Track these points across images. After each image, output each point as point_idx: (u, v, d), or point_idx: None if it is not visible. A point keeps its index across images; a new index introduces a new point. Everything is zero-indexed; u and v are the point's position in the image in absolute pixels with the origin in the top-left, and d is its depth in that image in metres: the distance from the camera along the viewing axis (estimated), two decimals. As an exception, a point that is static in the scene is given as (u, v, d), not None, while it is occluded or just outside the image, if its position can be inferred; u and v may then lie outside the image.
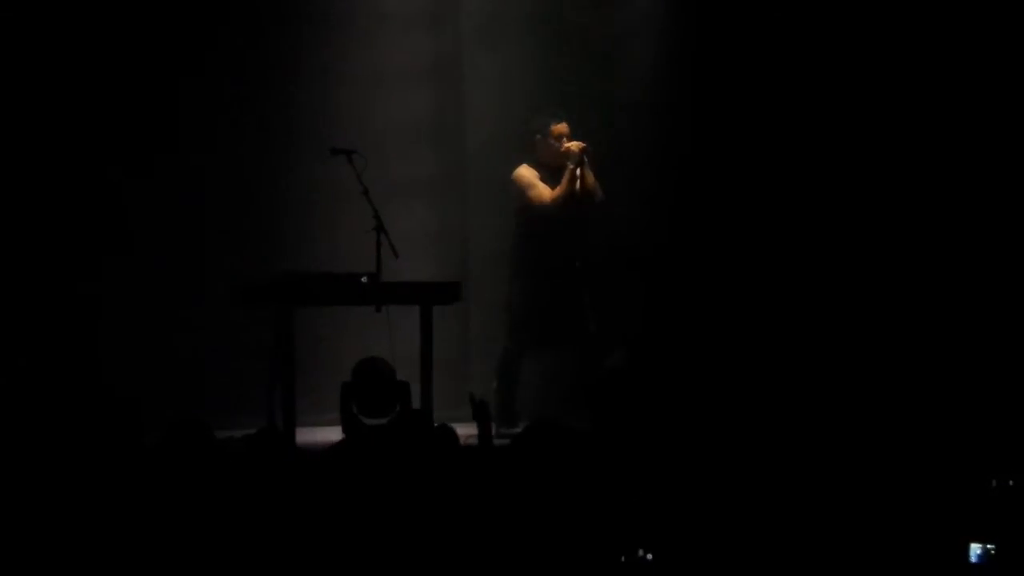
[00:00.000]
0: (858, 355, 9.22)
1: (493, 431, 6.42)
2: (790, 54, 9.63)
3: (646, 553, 4.98)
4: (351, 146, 8.60)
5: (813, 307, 9.49)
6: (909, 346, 9.23)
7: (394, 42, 9.88)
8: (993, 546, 5.08)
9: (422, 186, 9.94)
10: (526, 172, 8.99)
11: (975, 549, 5.08)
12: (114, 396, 8.62)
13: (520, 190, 8.98)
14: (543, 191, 8.94)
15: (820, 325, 9.42)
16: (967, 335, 9.19)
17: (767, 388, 8.99)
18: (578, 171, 8.86)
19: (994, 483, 5.50)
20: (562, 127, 8.98)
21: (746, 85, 9.70)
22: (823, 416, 8.00)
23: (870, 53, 9.53)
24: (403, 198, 9.67)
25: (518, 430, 8.51)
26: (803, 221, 9.61)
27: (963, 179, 9.43)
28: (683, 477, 5.58)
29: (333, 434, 8.02)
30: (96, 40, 9.27)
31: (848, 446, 6.21)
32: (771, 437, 6.37)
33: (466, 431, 8.67)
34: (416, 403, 8.16)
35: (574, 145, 8.90)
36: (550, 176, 8.98)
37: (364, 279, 8.27)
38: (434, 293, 8.47)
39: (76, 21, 9.25)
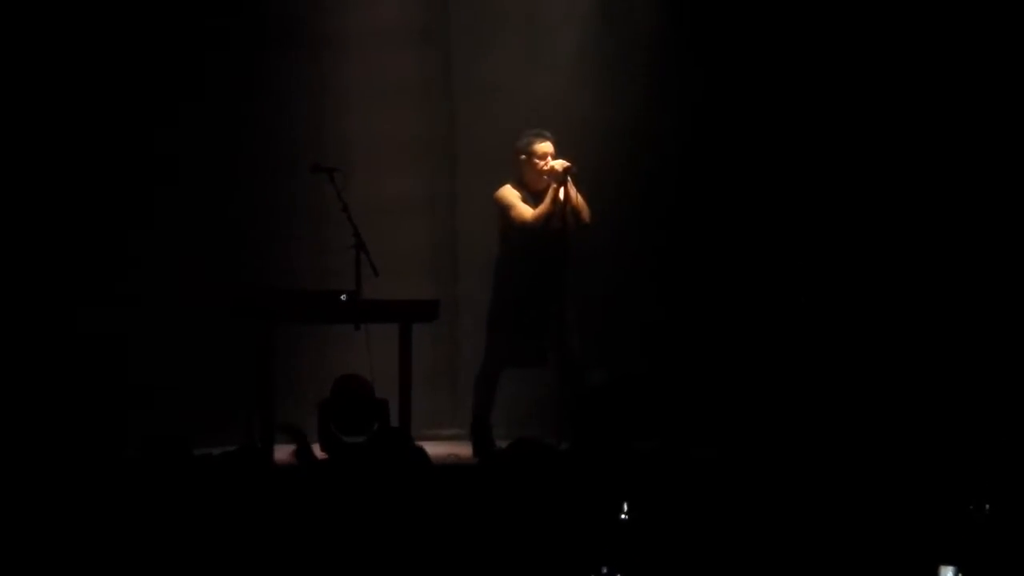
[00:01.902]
0: (844, 376, 9.21)
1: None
2: (784, 54, 9.63)
3: (613, 571, 4.96)
4: (339, 163, 8.60)
5: (795, 328, 9.49)
6: (896, 363, 9.23)
7: (384, 58, 9.89)
8: (961, 571, 5.07)
9: (412, 203, 9.93)
10: (507, 192, 8.93)
11: (945, 572, 5.07)
12: (95, 411, 8.66)
13: (502, 210, 8.92)
14: (523, 211, 8.88)
15: (803, 345, 9.42)
16: (956, 354, 9.20)
17: (751, 407, 9.00)
18: (561, 191, 8.80)
19: (971, 507, 5.49)
20: (546, 147, 8.89)
21: (737, 95, 9.70)
22: (804, 437, 8.00)
23: (868, 50, 9.54)
24: (393, 215, 9.67)
25: (493, 447, 8.51)
26: (793, 239, 9.63)
27: (963, 179, 9.45)
28: (664, 495, 5.57)
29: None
30: (88, 57, 9.26)
31: (823, 470, 6.20)
32: (753, 457, 6.37)
33: (452, 449, 8.71)
34: (395, 421, 8.16)
35: (558, 164, 8.84)
36: (535, 196, 8.91)
37: (343, 297, 8.25)
38: (413, 311, 8.46)
39: (73, 41, 9.24)
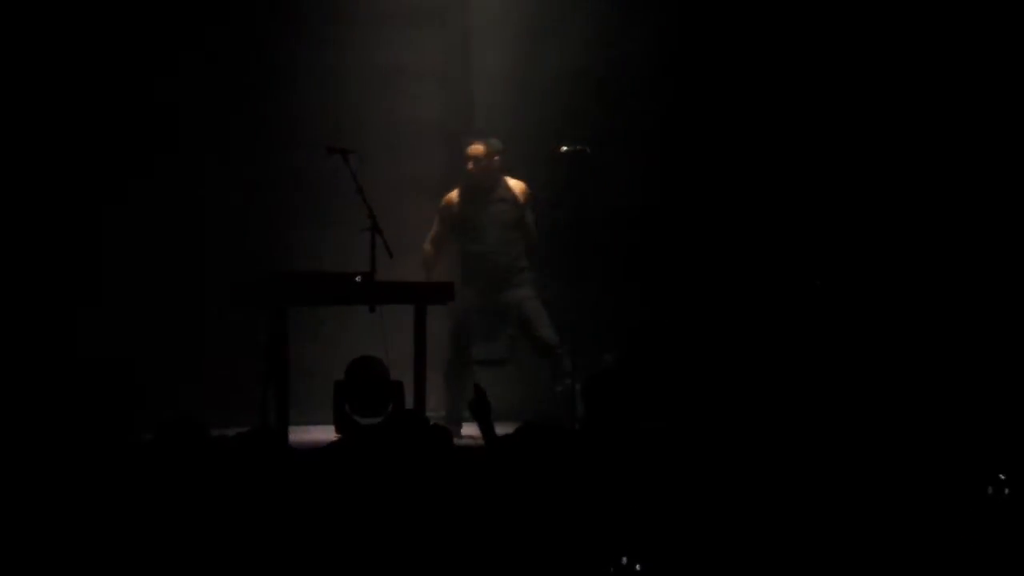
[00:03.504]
0: (853, 357, 9.21)
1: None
2: (779, 40, 9.65)
3: (635, 564, 4.97)
4: (356, 145, 8.61)
5: (804, 304, 9.49)
6: (903, 344, 9.23)
7: (401, 40, 9.90)
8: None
9: (429, 185, 9.94)
10: (440, 204, 9.21)
11: None
12: (110, 392, 8.66)
13: None
14: (432, 233, 9.21)
15: (810, 324, 9.42)
16: (960, 336, 9.19)
17: (760, 389, 9.00)
18: None
19: (990, 490, 5.50)
20: (472, 149, 9.11)
21: (742, 79, 9.72)
22: (818, 418, 7.99)
23: (860, 40, 9.55)
24: (410, 197, 9.69)
25: (458, 437, 8.61)
26: (797, 217, 9.64)
27: (973, 166, 9.45)
28: (674, 480, 5.58)
29: (326, 433, 8.04)
30: (95, 39, 9.29)
31: (842, 448, 6.20)
32: (766, 439, 6.37)
33: (466, 431, 8.73)
34: (410, 403, 8.17)
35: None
36: (476, 199, 9.07)
37: (358, 279, 8.26)
38: (428, 293, 8.47)
39: (75, 21, 9.26)
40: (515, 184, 9.14)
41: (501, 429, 5.99)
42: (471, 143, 9.16)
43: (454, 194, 9.19)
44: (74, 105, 9.26)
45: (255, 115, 9.63)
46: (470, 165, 9.11)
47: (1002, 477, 5.52)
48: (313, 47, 9.78)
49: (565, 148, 8.90)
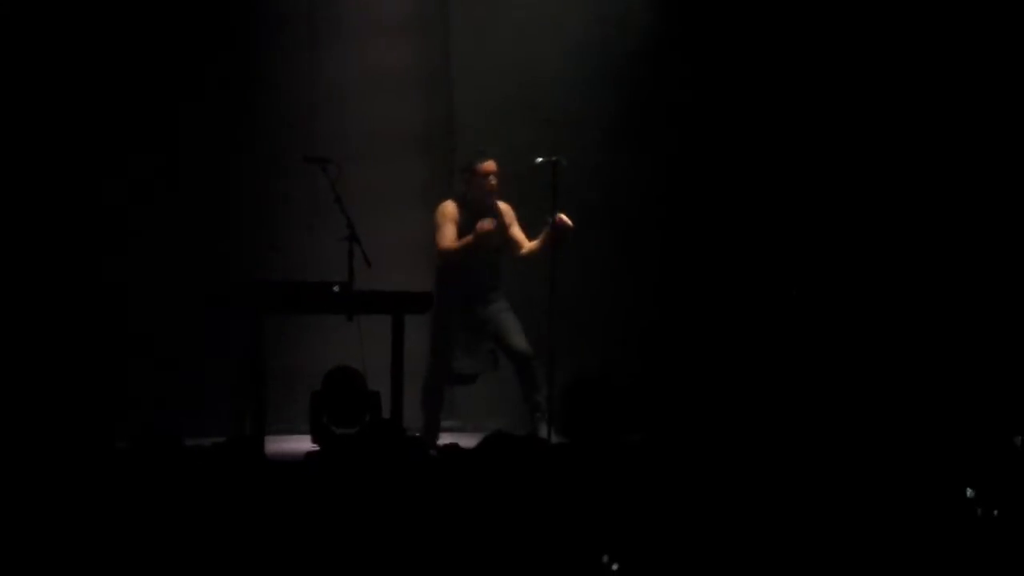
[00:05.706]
0: (833, 366, 9.23)
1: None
2: (771, 49, 9.68)
3: (612, 562, 4.96)
4: (335, 154, 8.61)
5: (781, 314, 9.52)
6: (887, 354, 9.25)
7: (382, 49, 9.91)
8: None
9: (410, 194, 9.94)
10: (441, 211, 8.99)
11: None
12: (86, 401, 8.66)
13: (434, 227, 8.99)
14: (446, 235, 8.93)
15: (789, 333, 9.44)
16: (959, 335, 9.22)
17: (744, 394, 9.02)
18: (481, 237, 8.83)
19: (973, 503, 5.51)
20: (488, 165, 8.94)
21: (730, 86, 9.74)
22: (804, 423, 8.01)
23: (854, 44, 9.59)
24: (387, 206, 9.68)
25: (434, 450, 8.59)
26: (773, 227, 9.66)
27: (949, 171, 9.48)
28: (654, 486, 5.57)
29: (303, 443, 8.03)
30: (79, 51, 9.28)
31: (827, 458, 6.21)
32: (750, 443, 6.37)
33: (444, 440, 8.72)
34: (387, 413, 8.17)
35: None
36: (475, 215, 8.91)
37: (336, 288, 8.25)
38: (406, 302, 8.46)
39: (62, 33, 9.25)
40: (503, 205, 9.09)
41: (475, 440, 5.96)
42: (480, 159, 8.97)
43: (451, 204, 9.03)
44: (54, 108, 9.24)
45: (233, 123, 9.62)
46: (492, 180, 8.94)
47: (969, 492, 5.53)
48: (292, 54, 9.77)
49: (540, 160, 8.86)
